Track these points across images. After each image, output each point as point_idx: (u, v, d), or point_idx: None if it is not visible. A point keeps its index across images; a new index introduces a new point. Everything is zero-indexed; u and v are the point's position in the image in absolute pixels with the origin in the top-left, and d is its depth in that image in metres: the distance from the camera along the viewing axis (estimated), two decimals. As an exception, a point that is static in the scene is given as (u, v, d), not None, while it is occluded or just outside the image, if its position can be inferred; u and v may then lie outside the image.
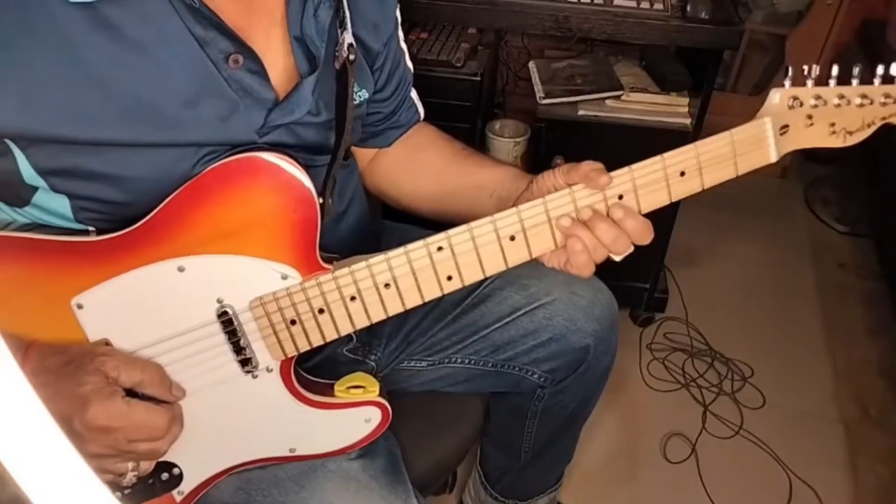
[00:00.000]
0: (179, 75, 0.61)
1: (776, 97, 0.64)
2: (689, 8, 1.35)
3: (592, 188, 0.64)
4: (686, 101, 1.47)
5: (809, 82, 0.64)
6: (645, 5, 1.36)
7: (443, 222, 0.66)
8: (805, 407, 1.59)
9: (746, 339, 1.74)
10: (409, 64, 0.90)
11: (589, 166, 0.65)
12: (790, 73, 0.65)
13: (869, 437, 1.53)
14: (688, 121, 1.44)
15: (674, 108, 1.46)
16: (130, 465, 0.64)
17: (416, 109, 0.92)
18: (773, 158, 0.66)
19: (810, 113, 0.65)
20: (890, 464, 1.47)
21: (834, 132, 0.66)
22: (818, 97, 0.64)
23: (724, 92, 2.23)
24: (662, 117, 1.45)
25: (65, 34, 0.56)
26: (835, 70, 0.64)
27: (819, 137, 0.66)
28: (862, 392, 1.64)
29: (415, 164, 0.90)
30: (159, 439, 0.63)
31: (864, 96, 0.64)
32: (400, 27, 0.86)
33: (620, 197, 0.65)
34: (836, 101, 0.64)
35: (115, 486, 0.66)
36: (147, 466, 0.67)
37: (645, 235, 0.66)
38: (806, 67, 0.64)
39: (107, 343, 0.64)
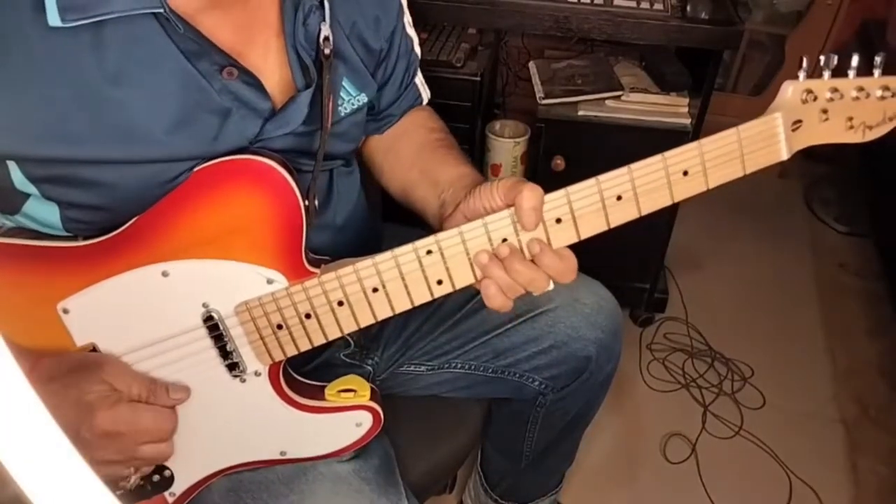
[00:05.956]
0: (169, 96, 0.61)
1: (788, 90, 0.59)
2: (689, 8, 1.35)
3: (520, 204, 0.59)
4: (686, 101, 1.47)
5: (826, 73, 0.59)
6: (645, 5, 1.36)
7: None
8: (805, 407, 1.59)
9: (746, 339, 1.74)
10: (418, 49, 0.88)
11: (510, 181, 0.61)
12: (804, 64, 0.59)
13: (869, 437, 1.53)
14: (688, 121, 1.44)
15: (674, 109, 1.46)
16: (133, 468, 0.65)
17: (419, 94, 0.90)
18: (785, 156, 0.61)
19: (825, 107, 0.60)
20: (890, 464, 1.47)
21: (852, 127, 0.60)
22: (834, 90, 0.59)
23: (724, 92, 2.23)
24: (662, 117, 1.45)
25: (53, 57, 0.56)
26: (854, 60, 0.59)
27: (835, 133, 0.61)
28: (862, 392, 1.63)
29: (391, 152, 0.87)
30: (164, 441, 0.64)
31: (885, 88, 0.59)
32: (407, 13, 0.84)
33: (619, 198, 0.60)
34: (854, 93, 0.59)
35: (113, 486, 0.66)
36: (148, 468, 0.67)
37: (567, 274, 0.62)
38: (823, 58, 0.58)
39: (93, 348, 0.65)
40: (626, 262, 1.46)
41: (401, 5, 0.82)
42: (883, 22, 1.91)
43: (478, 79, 1.44)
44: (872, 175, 2.04)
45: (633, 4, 1.36)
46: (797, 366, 1.69)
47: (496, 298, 0.63)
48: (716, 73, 1.42)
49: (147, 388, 0.63)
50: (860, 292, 1.92)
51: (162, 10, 0.57)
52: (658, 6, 1.36)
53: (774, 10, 2.15)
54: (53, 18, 0.54)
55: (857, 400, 1.62)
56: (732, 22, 1.34)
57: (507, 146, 1.60)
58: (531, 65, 1.64)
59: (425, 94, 0.92)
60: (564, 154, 1.48)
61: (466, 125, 1.50)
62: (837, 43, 2.09)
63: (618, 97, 1.49)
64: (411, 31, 0.86)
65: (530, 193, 0.59)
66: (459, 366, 0.92)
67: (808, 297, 1.89)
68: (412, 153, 0.85)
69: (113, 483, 0.65)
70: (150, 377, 0.65)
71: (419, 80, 0.91)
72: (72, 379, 0.60)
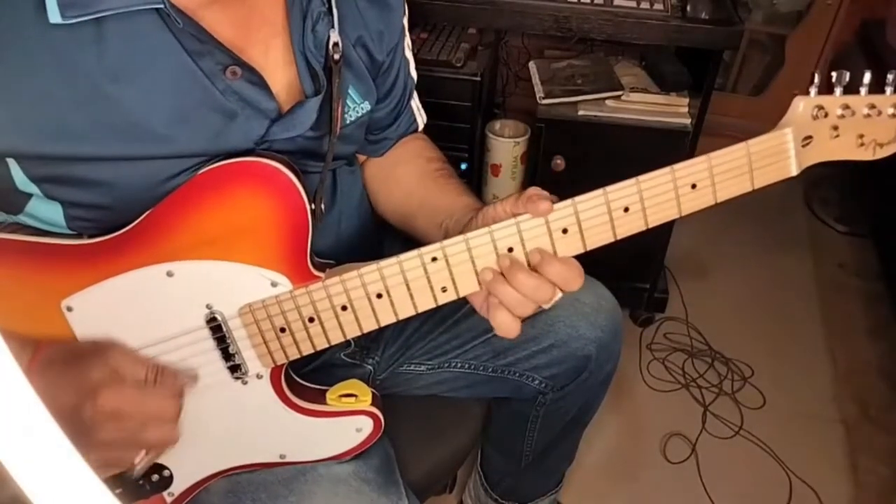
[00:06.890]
0: (170, 92, 0.61)
1: (799, 106, 0.59)
2: (689, 8, 1.35)
3: (533, 215, 0.59)
4: (686, 101, 1.47)
5: (837, 90, 0.59)
6: (645, 5, 1.36)
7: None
8: (805, 407, 1.59)
9: (746, 339, 1.74)
10: (414, 73, 0.88)
11: (531, 191, 0.60)
12: (816, 80, 0.59)
13: (869, 437, 1.53)
14: (688, 121, 1.44)
15: (674, 108, 1.46)
16: (141, 453, 0.64)
17: (414, 119, 0.91)
18: (794, 172, 0.61)
19: (836, 124, 0.60)
20: (890, 464, 1.47)
21: (863, 144, 0.61)
22: (846, 106, 0.59)
23: (724, 92, 2.23)
24: (662, 117, 1.45)
25: (53, 54, 0.56)
26: (867, 77, 0.59)
27: (845, 150, 0.61)
28: (862, 392, 1.64)
29: (390, 180, 0.88)
30: (169, 423, 0.63)
31: None
32: (407, 36, 0.85)
33: (626, 209, 0.60)
34: (865, 110, 0.59)
35: (119, 480, 0.66)
36: (156, 454, 0.67)
37: (572, 281, 0.61)
38: (835, 74, 0.59)
39: None
40: (626, 262, 1.46)
41: (403, 26, 0.83)
42: (883, 22, 1.91)
43: (478, 79, 1.44)
44: (872, 175, 2.04)
45: (633, 4, 1.36)
46: (797, 366, 1.69)
47: (500, 313, 0.62)
48: (716, 73, 1.42)
49: (154, 371, 0.63)
50: (860, 292, 1.92)
51: (162, 6, 0.57)
52: (658, 6, 1.36)
53: (774, 10, 2.15)
54: (54, 15, 0.54)
55: (857, 400, 1.62)
56: (732, 22, 1.34)
57: (507, 146, 1.60)
58: (531, 65, 1.64)
59: (421, 119, 0.92)
60: (564, 154, 1.48)
61: (466, 125, 1.50)
62: (837, 43, 2.09)
63: (618, 97, 1.49)
64: (409, 54, 0.87)
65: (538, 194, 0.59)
66: (459, 365, 0.92)
67: (808, 297, 1.89)
68: (412, 183, 0.86)
69: (118, 467, 0.64)
70: (157, 363, 0.65)
71: (415, 104, 0.91)
72: (77, 362, 0.60)
